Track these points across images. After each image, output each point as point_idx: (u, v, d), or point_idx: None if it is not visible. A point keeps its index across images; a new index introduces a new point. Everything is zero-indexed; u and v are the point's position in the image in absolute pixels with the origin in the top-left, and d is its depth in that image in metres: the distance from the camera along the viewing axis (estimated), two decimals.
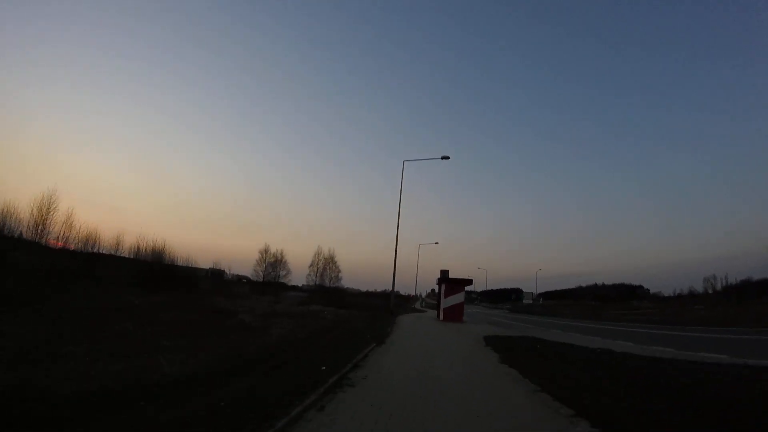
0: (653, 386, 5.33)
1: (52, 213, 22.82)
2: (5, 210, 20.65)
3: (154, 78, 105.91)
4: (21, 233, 22.04)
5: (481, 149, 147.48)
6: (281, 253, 52.81)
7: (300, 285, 56.92)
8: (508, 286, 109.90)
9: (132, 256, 35.88)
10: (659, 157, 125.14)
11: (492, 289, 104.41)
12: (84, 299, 15.14)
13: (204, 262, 49.55)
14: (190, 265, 42.47)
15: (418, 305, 59.68)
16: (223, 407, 4.05)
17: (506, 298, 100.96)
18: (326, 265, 50.09)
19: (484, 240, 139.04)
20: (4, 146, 60.90)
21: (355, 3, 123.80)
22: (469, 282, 20.31)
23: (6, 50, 65.37)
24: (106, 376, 5.21)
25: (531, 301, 59.62)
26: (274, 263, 52.40)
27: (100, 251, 34.20)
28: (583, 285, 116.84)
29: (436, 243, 44.73)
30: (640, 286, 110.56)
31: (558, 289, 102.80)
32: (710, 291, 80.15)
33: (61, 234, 24.05)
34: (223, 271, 66.93)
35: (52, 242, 24.77)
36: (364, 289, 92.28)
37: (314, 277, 50.17)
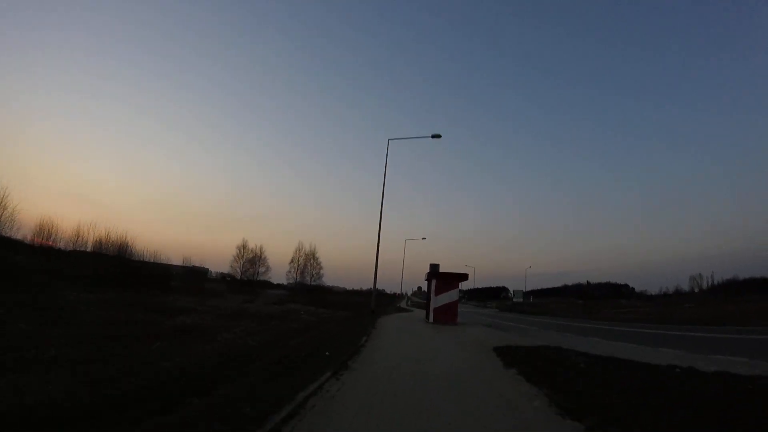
0: None
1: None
2: None
3: (133, 76, 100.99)
4: None
5: (467, 146, 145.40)
6: (260, 249, 49.12)
7: (284, 283, 53.59)
8: (494, 284, 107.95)
9: (93, 251, 32.48)
10: (645, 155, 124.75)
11: (479, 288, 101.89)
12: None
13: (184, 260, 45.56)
14: (159, 261, 38.95)
15: (403, 304, 56.34)
16: None
17: (493, 296, 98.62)
18: (307, 261, 46.69)
19: (469, 237, 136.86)
20: None
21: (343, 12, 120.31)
22: (465, 277, 17.23)
23: None
24: None
25: (521, 300, 56.88)
26: (252, 259, 48.79)
27: (60, 246, 30.77)
28: (569, 284, 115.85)
29: (423, 238, 41.84)
30: (626, 285, 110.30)
31: (544, 287, 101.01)
32: (696, 289, 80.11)
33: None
34: (207, 270, 63.17)
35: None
36: (349, 287, 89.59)
37: (294, 275, 46.68)
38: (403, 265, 60.89)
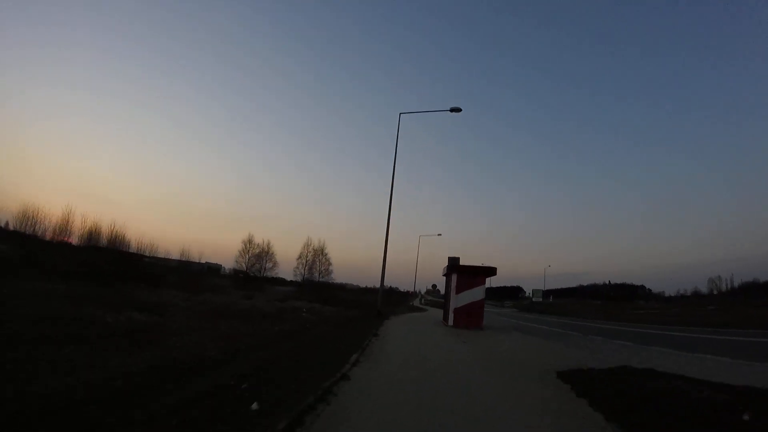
0: None
1: None
2: None
3: (141, 75, 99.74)
4: None
5: (479, 149, 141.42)
6: (268, 244, 46.40)
7: (294, 279, 50.97)
8: (509, 283, 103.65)
9: (84, 242, 30.33)
10: (660, 157, 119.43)
11: (494, 287, 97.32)
12: None
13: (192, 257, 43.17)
14: (157, 256, 36.64)
15: (417, 302, 52.89)
16: None
17: (509, 296, 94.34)
18: (316, 257, 43.75)
19: (483, 236, 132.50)
20: None
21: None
22: (492, 271, 13.98)
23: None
24: None
25: (540, 299, 53.15)
26: (259, 255, 46.13)
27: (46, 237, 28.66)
28: (584, 284, 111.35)
29: (439, 234, 38.50)
30: (642, 286, 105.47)
31: (558, 287, 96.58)
32: (715, 292, 75.81)
33: None
34: (220, 266, 60.78)
35: None
36: (362, 285, 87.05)
37: (302, 271, 43.81)
38: (417, 261, 57.09)
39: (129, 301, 15.24)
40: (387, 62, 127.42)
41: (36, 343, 5.72)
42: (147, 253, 34.66)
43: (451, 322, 13.43)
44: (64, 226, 28.29)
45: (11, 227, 27.22)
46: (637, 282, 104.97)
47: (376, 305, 36.88)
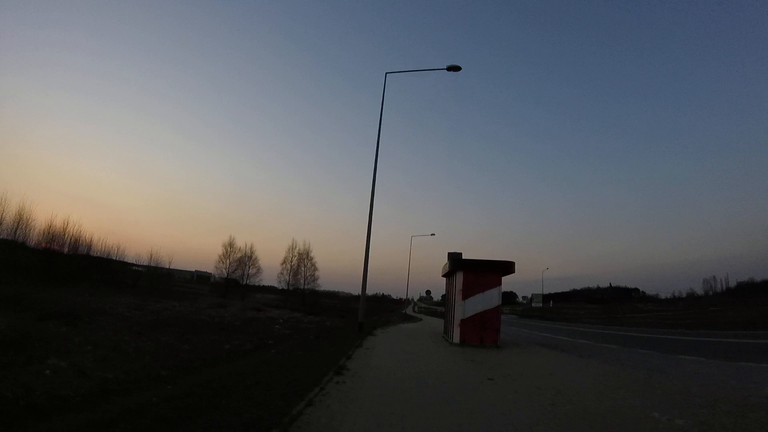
0: None
1: None
2: None
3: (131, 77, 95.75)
4: None
5: (471, 149, 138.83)
6: (251, 249, 42.27)
7: (277, 286, 46.73)
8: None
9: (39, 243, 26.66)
10: (646, 158, 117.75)
11: None
12: None
13: (187, 264, 38.93)
14: (123, 260, 32.69)
15: (409, 310, 48.51)
16: None
17: (505, 300, 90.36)
18: (301, 261, 39.69)
19: (472, 241, 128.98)
20: None
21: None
22: (509, 268, 10.19)
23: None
24: None
25: (540, 304, 49.51)
26: (241, 260, 41.97)
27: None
28: (577, 288, 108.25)
29: (432, 234, 34.69)
30: (636, 289, 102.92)
31: (552, 291, 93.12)
32: (710, 293, 73.51)
33: None
34: (211, 274, 56.33)
35: None
36: (355, 293, 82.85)
37: (287, 277, 39.70)
38: (410, 265, 52.88)
39: (45, 305, 11.66)
40: (381, 59, 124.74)
41: None
42: (115, 257, 30.78)
43: (456, 338, 9.59)
44: (18, 226, 24.45)
45: None
46: (630, 284, 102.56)
47: (367, 312, 33.04)
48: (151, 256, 31.19)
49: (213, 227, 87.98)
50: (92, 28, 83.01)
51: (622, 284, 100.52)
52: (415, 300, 68.77)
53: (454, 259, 10.20)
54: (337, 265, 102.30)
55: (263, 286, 46.74)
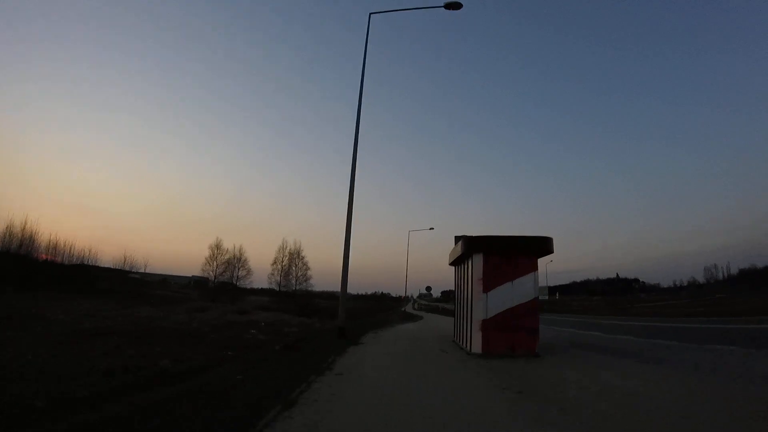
0: None
1: None
2: None
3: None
4: None
5: (468, 145, 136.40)
6: (240, 250, 39.37)
7: (268, 287, 43.72)
8: None
9: None
10: (643, 150, 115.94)
11: None
12: None
13: (186, 269, 36.04)
14: (86, 263, 29.87)
15: (409, 308, 45.21)
16: None
17: None
18: (292, 261, 36.80)
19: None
20: None
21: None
22: (545, 246, 7.40)
23: None
24: None
25: (546, 297, 46.89)
26: (229, 262, 39.06)
27: None
28: (578, 280, 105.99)
29: (431, 228, 31.71)
30: (636, 279, 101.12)
31: (554, 284, 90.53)
32: (712, 281, 71.98)
33: None
34: (208, 280, 53.52)
35: None
36: (354, 293, 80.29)
37: (278, 278, 36.81)
38: (407, 261, 48.51)
39: None
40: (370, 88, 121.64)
41: None
42: (76, 260, 27.98)
43: (476, 346, 6.72)
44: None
45: None
46: (629, 275, 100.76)
47: (363, 313, 29.95)
48: (125, 259, 28.08)
49: (210, 232, 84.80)
50: (80, 34, 79.98)
51: (622, 275, 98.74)
52: (415, 297, 65.83)
53: (470, 238, 7.34)
54: (334, 266, 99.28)
55: (261, 288, 43.85)
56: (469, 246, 7.19)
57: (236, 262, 39.25)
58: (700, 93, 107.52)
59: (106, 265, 31.94)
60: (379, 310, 33.82)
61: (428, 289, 34.13)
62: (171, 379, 5.36)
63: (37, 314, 13.28)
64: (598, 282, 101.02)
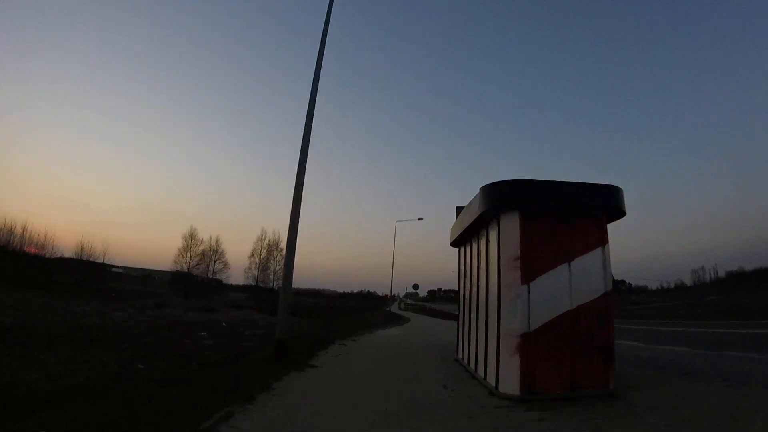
0: None
1: None
2: None
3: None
4: None
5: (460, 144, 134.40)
6: (216, 241, 35.81)
7: (243, 284, 40.10)
8: None
9: None
10: (634, 149, 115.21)
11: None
12: None
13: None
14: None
15: (395, 308, 40.53)
16: None
17: None
18: (270, 254, 33.37)
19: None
20: None
21: None
22: (619, 201, 4.18)
23: None
24: None
25: None
26: (205, 254, 35.44)
27: None
28: None
29: (420, 219, 28.54)
30: (622, 281, 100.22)
31: None
32: (699, 283, 71.72)
33: None
34: (191, 275, 49.70)
35: None
36: (340, 290, 77.28)
37: (255, 272, 33.35)
38: (394, 253, 41.25)
39: None
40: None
41: None
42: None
43: (509, 381, 3.61)
44: None
45: None
46: (616, 277, 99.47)
47: (348, 311, 26.75)
48: (82, 249, 24.46)
49: (196, 228, 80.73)
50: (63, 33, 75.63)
51: None
52: (401, 297, 62.39)
53: (500, 184, 4.16)
54: (315, 262, 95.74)
55: (244, 285, 40.13)
56: (498, 197, 4.06)
57: (212, 254, 35.62)
58: (689, 95, 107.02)
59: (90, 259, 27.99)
60: (363, 309, 30.69)
61: (415, 287, 31.00)
62: None
63: None
64: None
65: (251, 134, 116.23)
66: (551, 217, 3.84)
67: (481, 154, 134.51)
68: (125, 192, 78.76)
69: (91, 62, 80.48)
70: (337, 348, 7.21)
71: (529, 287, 3.65)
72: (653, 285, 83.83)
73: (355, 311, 26.23)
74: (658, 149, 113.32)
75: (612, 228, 4.07)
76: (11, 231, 23.75)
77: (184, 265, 34.74)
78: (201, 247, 35.06)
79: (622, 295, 76.11)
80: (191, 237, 34.53)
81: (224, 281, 38.13)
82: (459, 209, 6.84)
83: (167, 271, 47.80)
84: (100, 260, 27.15)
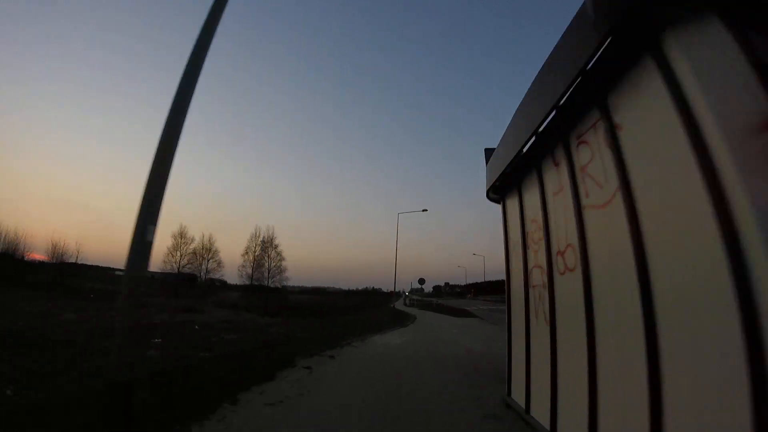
0: None
1: None
2: None
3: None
4: None
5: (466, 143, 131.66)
6: (209, 239, 33.54)
7: (238, 283, 37.79)
8: (494, 277, 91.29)
9: None
10: None
11: (490, 281, 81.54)
12: None
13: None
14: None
15: (400, 304, 36.81)
16: None
17: (495, 290, 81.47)
18: (264, 251, 31.01)
19: (471, 229, 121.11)
20: None
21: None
22: None
23: None
24: None
25: None
26: (197, 252, 33.19)
27: None
28: None
29: (425, 210, 26.12)
30: None
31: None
32: None
33: None
34: (196, 276, 47.70)
35: None
36: (345, 288, 75.74)
37: (249, 270, 31.05)
38: (397, 246, 37.80)
39: None
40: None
41: None
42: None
43: None
44: None
45: None
46: None
47: (349, 310, 24.37)
48: (54, 248, 22.23)
49: (186, 226, 78.57)
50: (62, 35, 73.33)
51: None
52: (407, 293, 59.92)
53: None
54: (311, 262, 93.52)
55: (243, 285, 37.54)
56: None
57: (205, 252, 33.30)
58: None
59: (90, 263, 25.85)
60: (365, 306, 28.20)
61: (421, 281, 28.50)
62: None
63: None
64: None
65: (251, 134, 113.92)
66: None
67: (481, 154, 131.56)
68: (125, 192, 76.79)
69: (91, 62, 78.43)
70: (294, 375, 4.57)
71: None
72: None
73: (353, 309, 23.75)
74: None
75: None
76: None
77: (174, 264, 32.47)
78: (192, 246, 32.82)
79: None
80: (181, 235, 32.24)
81: (223, 281, 36.08)
82: (488, 151, 4.45)
83: (169, 272, 45.79)
84: (72, 260, 24.87)
